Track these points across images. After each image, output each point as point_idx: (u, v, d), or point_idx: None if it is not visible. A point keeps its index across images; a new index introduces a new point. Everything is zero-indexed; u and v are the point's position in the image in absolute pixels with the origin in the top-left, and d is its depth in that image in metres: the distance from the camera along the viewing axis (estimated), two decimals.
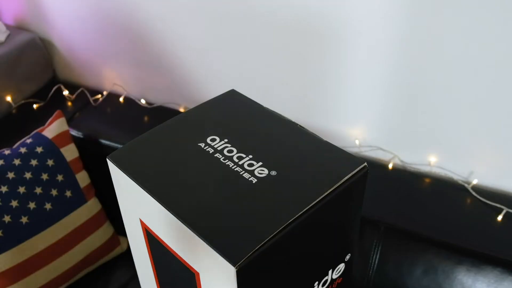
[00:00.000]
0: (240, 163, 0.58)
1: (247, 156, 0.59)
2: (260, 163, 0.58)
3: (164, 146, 0.62)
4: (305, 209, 0.51)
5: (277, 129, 0.65)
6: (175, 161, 0.60)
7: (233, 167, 0.58)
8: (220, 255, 0.46)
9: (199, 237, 0.49)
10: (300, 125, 0.66)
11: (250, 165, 0.58)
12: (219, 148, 0.61)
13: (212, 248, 0.47)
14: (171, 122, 0.66)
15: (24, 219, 1.07)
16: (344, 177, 0.56)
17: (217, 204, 0.53)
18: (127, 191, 0.61)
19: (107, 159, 0.61)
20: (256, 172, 0.57)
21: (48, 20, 1.46)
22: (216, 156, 0.60)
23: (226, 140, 0.62)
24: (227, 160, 0.59)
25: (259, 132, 0.64)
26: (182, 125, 0.65)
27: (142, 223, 0.62)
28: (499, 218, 0.98)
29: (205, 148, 0.61)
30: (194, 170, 0.58)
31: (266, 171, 0.57)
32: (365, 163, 0.58)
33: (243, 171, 0.57)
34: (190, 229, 0.50)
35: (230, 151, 0.60)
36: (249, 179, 0.56)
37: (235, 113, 0.69)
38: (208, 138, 0.63)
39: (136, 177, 0.57)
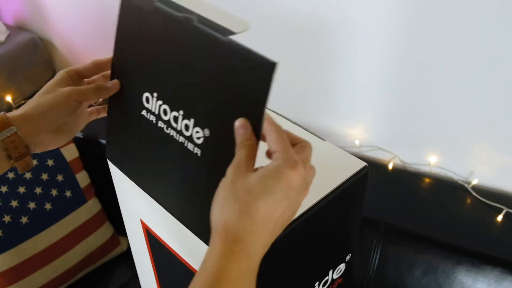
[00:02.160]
0: None
1: None
2: None
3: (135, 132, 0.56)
4: (305, 210, 0.51)
5: None
6: (152, 154, 0.54)
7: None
8: None
9: (198, 237, 0.49)
10: (299, 125, 0.66)
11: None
12: (157, 113, 0.52)
13: None
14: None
15: (24, 219, 1.07)
16: (344, 178, 0.56)
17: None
18: (127, 192, 0.61)
19: (107, 160, 0.61)
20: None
21: (48, 20, 1.46)
22: (162, 128, 0.52)
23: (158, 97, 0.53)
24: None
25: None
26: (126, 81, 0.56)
27: (142, 223, 0.62)
28: (499, 218, 0.98)
29: (147, 117, 0.53)
30: (163, 160, 0.52)
31: None
32: (366, 164, 0.58)
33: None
34: (189, 229, 0.50)
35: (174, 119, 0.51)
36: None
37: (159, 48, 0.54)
38: (144, 98, 0.53)
39: (135, 178, 0.57)
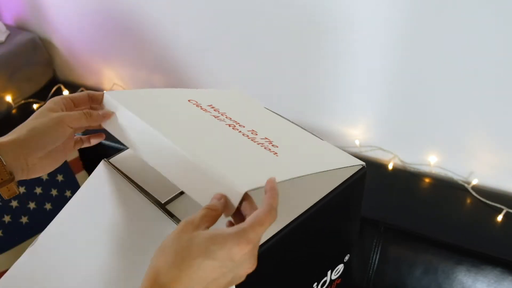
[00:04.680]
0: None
1: None
2: None
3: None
4: (303, 210, 0.51)
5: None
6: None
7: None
8: None
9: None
10: (299, 126, 0.66)
11: None
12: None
13: None
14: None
15: (24, 219, 1.07)
16: (343, 178, 0.56)
17: None
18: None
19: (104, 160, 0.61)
20: None
21: (48, 20, 1.46)
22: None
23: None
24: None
25: None
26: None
27: None
28: (499, 218, 0.98)
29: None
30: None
31: None
32: (364, 164, 0.58)
33: None
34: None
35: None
36: None
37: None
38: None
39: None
